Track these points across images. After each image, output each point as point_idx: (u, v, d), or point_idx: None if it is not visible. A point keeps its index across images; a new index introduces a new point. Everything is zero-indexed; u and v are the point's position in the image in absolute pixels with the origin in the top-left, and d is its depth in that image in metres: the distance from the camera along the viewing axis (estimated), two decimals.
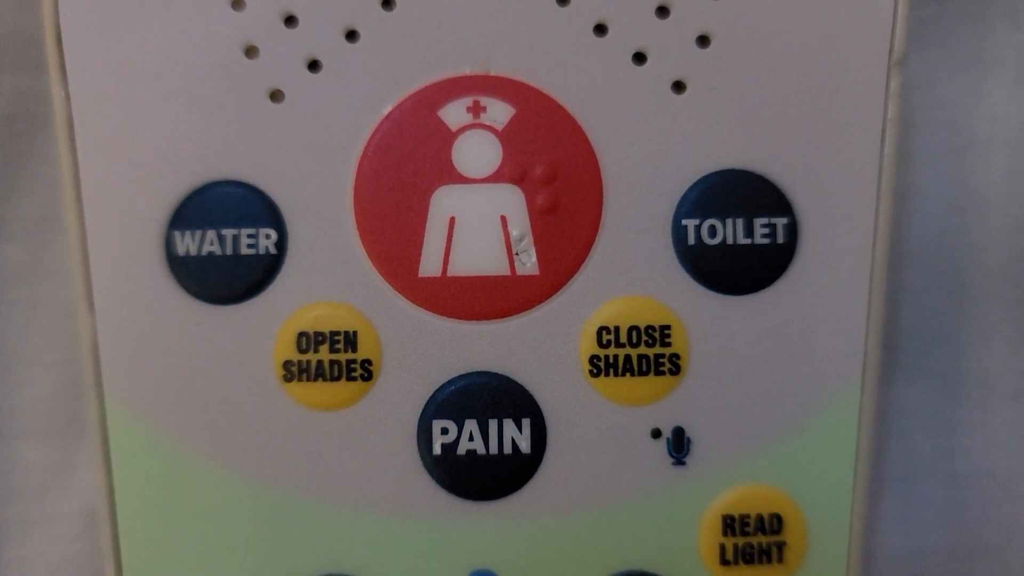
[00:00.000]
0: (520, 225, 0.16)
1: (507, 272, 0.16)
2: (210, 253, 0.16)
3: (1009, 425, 0.19)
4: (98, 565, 0.18)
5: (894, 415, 0.19)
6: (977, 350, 0.19)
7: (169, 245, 0.16)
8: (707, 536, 0.16)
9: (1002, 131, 0.19)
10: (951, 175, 0.19)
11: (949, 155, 0.19)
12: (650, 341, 0.16)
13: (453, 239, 0.16)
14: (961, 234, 0.19)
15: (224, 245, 0.16)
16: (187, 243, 0.16)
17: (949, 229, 0.19)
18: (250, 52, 0.16)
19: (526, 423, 0.16)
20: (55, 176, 0.18)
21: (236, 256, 0.16)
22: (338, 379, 0.16)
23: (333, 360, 0.16)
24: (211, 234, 0.16)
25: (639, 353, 0.16)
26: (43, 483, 0.18)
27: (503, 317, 0.16)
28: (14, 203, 0.19)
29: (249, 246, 0.16)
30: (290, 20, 0.16)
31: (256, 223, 0.16)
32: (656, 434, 0.16)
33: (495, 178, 0.16)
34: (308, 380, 0.16)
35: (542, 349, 0.16)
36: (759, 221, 0.16)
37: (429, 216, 0.16)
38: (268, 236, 0.16)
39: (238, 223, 0.16)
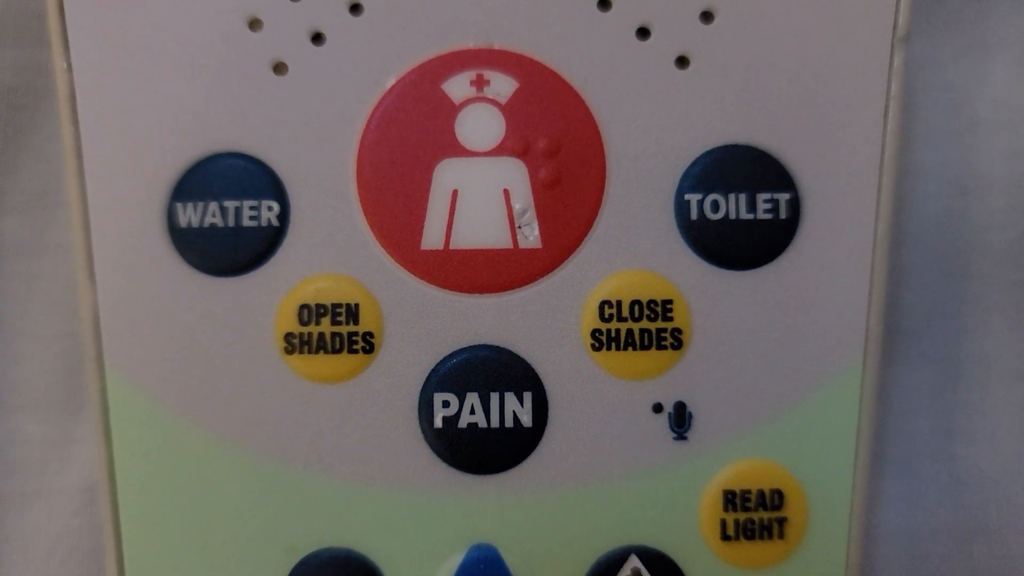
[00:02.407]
0: (523, 198, 0.16)
1: (510, 245, 0.16)
2: (212, 225, 0.16)
3: (1009, 406, 0.19)
4: (98, 539, 0.18)
5: (894, 395, 0.19)
6: (977, 331, 0.19)
7: (171, 217, 0.16)
8: (708, 511, 0.16)
9: (1004, 113, 0.19)
10: (953, 156, 0.19)
11: (951, 136, 0.19)
12: (652, 315, 0.16)
13: (456, 212, 0.16)
14: (963, 215, 0.19)
15: (226, 217, 0.16)
16: (189, 215, 0.16)
17: (951, 210, 0.19)
18: (254, 24, 0.16)
19: (528, 397, 0.16)
20: (56, 150, 0.18)
21: (238, 228, 0.16)
22: (339, 351, 0.16)
23: (335, 332, 0.16)
24: (213, 206, 0.16)
25: (641, 327, 0.16)
26: (42, 457, 0.18)
27: (505, 290, 0.16)
28: (15, 177, 0.18)
29: (251, 218, 0.16)
30: None
31: (258, 195, 0.16)
32: (658, 409, 0.16)
33: (498, 151, 0.16)
34: (309, 352, 0.16)
35: (544, 323, 0.16)
36: (762, 196, 0.16)
37: (432, 189, 0.16)
38: (270, 208, 0.16)
39: (240, 195, 0.16)
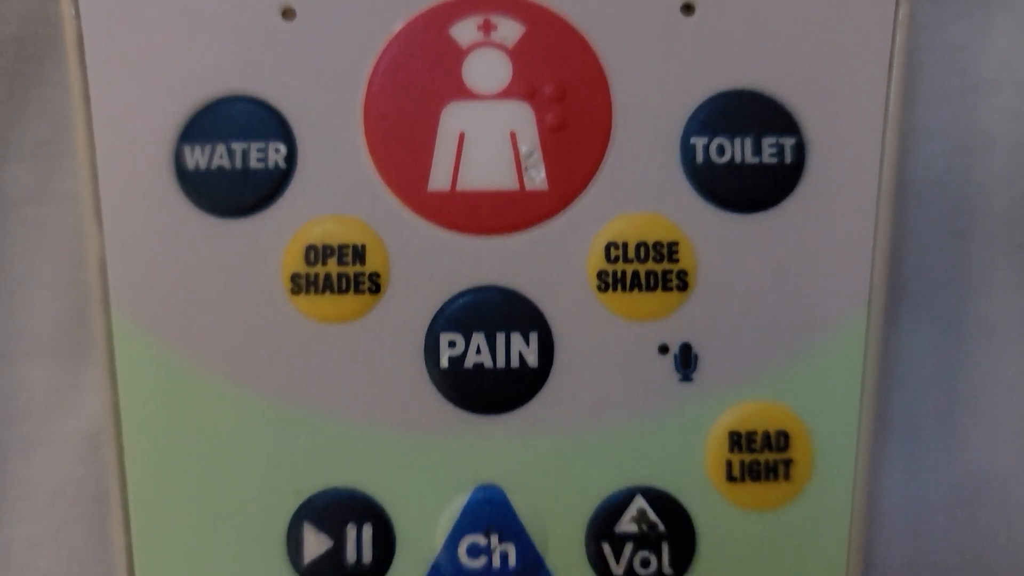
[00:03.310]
0: (529, 141, 0.16)
1: (516, 187, 0.16)
2: (220, 167, 0.16)
3: (1012, 367, 0.19)
4: (103, 484, 0.18)
5: (897, 355, 0.19)
6: (981, 292, 0.19)
7: (179, 159, 0.16)
8: (714, 453, 0.16)
9: (1009, 73, 0.19)
10: (957, 116, 0.19)
11: (956, 96, 0.19)
12: (658, 257, 0.16)
13: (463, 154, 0.16)
14: (966, 175, 0.19)
15: (234, 159, 0.16)
16: (197, 157, 0.16)
17: (955, 170, 0.19)
18: None
19: (533, 337, 0.16)
20: (64, 100, 0.18)
21: (246, 170, 0.16)
22: (346, 292, 0.16)
23: (341, 273, 0.16)
24: (221, 148, 0.16)
25: (647, 269, 0.16)
26: (48, 403, 0.18)
27: (511, 232, 0.16)
28: (23, 126, 0.19)
29: (259, 160, 0.16)
30: None
31: (266, 137, 0.16)
32: (663, 350, 0.16)
33: (505, 95, 0.16)
34: (316, 293, 0.16)
35: (550, 264, 0.16)
36: (767, 141, 0.16)
37: (439, 132, 0.16)
38: (278, 150, 0.16)
39: (248, 137, 0.16)
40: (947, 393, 0.19)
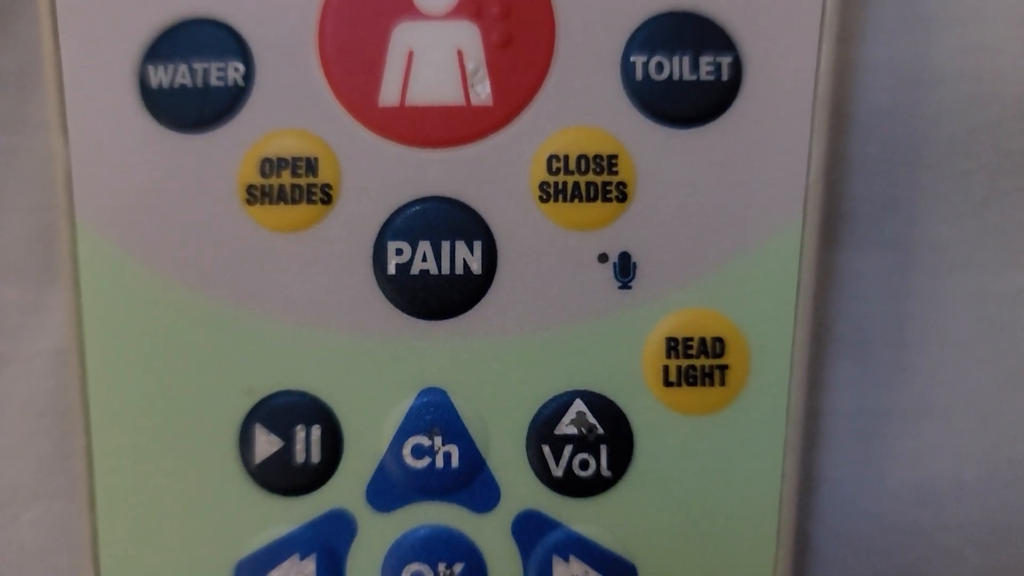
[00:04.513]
0: (475, 58, 0.17)
1: (462, 102, 0.17)
2: (182, 85, 0.17)
3: (958, 293, 0.19)
4: (69, 401, 0.19)
5: (846, 280, 0.19)
6: (929, 219, 0.19)
7: (143, 78, 0.17)
8: (651, 358, 0.16)
9: (954, 8, 0.20)
10: (903, 51, 0.20)
11: (902, 31, 0.20)
12: (598, 169, 0.17)
13: (411, 71, 0.17)
14: (913, 107, 0.20)
15: (195, 77, 0.17)
16: (160, 76, 0.17)
17: (901, 102, 0.20)
18: None
19: (478, 245, 0.17)
20: (36, 34, 0.19)
21: (206, 87, 0.17)
22: (299, 202, 0.17)
23: (294, 184, 0.17)
24: (183, 67, 0.17)
25: (587, 180, 0.17)
26: (20, 322, 0.19)
27: (458, 145, 0.17)
28: None
29: (219, 78, 0.17)
30: None
31: (225, 57, 0.17)
32: (603, 258, 0.17)
33: (453, 15, 0.17)
34: (270, 203, 0.17)
35: (494, 176, 0.17)
36: (704, 59, 0.17)
37: (389, 50, 0.17)
38: (237, 69, 0.17)
39: (209, 57, 0.17)
40: (897, 314, 0.19)
